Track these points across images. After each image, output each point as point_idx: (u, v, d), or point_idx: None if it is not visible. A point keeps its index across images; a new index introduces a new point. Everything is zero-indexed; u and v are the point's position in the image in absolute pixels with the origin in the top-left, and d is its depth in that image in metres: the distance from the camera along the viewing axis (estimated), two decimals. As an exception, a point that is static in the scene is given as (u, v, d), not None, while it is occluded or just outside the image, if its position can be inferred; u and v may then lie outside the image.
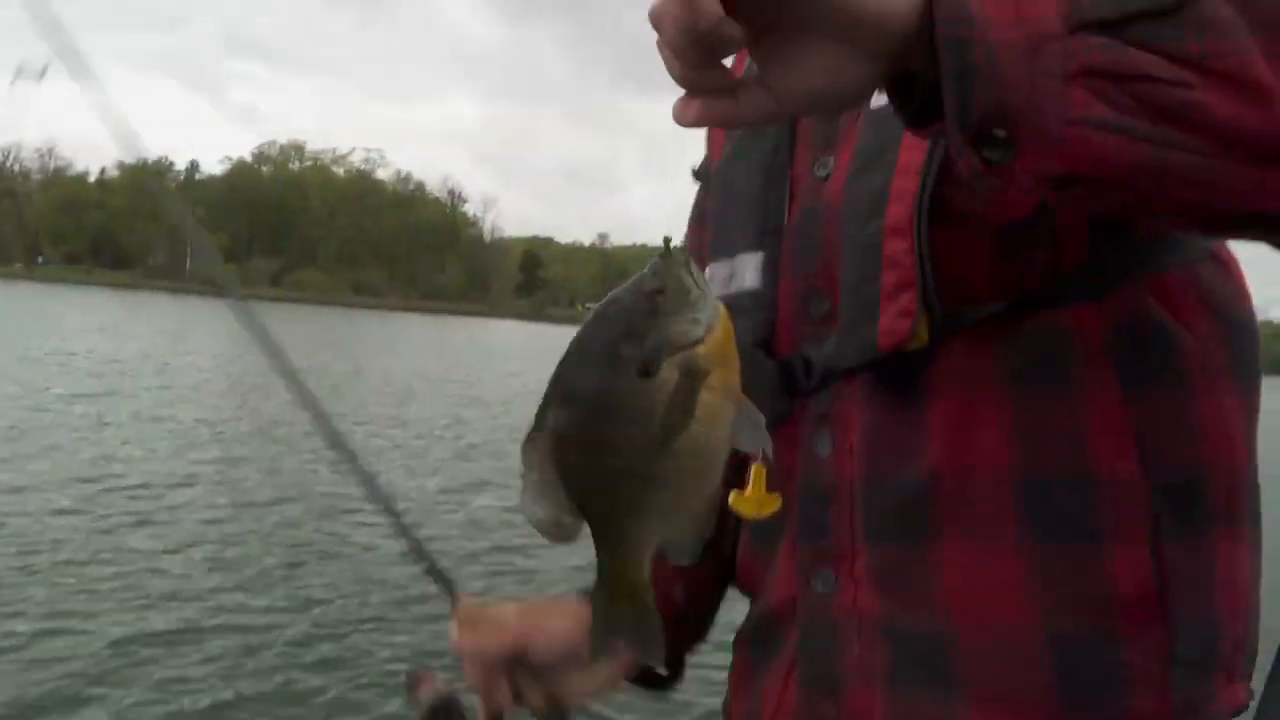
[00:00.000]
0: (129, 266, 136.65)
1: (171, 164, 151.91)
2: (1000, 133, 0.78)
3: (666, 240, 0.85)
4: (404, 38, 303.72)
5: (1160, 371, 1.12)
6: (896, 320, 1.10)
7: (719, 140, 1.43)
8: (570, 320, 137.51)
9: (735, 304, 1.15)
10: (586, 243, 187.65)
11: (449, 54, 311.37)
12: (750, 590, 1.37)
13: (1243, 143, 0.79)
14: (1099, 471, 1.09)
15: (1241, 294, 1.20)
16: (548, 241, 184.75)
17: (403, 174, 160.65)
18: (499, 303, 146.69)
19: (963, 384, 1.12)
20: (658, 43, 0.81)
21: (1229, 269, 1.20)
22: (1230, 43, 0.78)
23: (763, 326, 1.24)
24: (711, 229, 1.37)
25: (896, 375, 1.14)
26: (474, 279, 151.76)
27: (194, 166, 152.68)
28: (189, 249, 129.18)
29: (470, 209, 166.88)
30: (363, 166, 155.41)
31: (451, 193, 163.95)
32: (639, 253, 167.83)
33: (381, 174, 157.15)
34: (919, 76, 0.81)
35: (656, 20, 0.78)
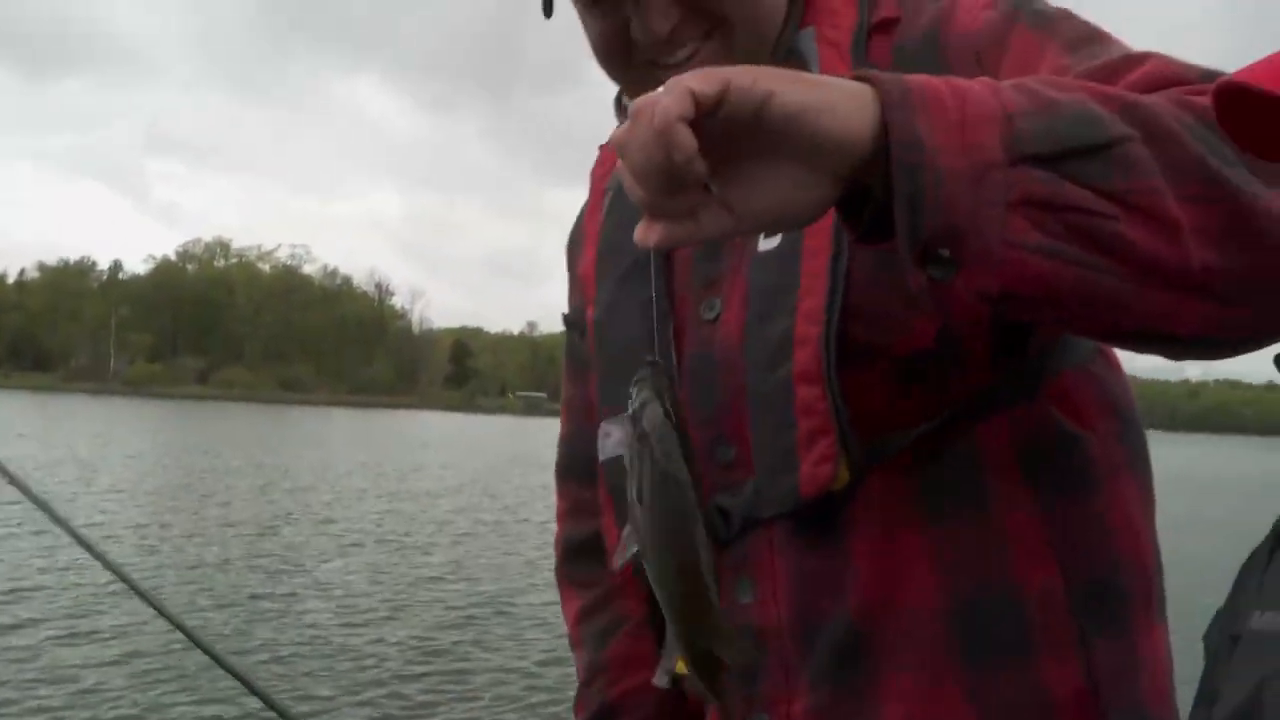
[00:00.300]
0: (50, 368, 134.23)
1: (94, 264, 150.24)
2: (945, 252, 0.83)
3: (652, 361, 0.95)
4: (325, 132, 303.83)
5: (1069, 477, 1.16)
6: (817, 468, 1.11)
7: (589, 286, 1.40)
8: (501, 409, 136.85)
9: None
10: (515, 331, 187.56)
11: (371, 147, 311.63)
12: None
13: (1158, 272, 0.85)
14: (1023, 586, 1.13)
15: (1128, 388, 1.26)
16: (477, 331, 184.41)
17: (329, 268, 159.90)
18: (428, 394, 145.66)
19: (882, 518, 1.15)
20: (620, 167, 0.83)
21: (1115, 365, 1.25)
22: (1149, 182, 0.84)
23: None
24: (599, 385, 1.35)
25: (817, 517, 1.15)
26: (403, 371, 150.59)
27: (117, 266, 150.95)
28: (112, 350, 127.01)
29: (398, 301, 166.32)
30: (289, 262, 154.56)
31: (379, 286, 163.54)
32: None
33: (308, 269, 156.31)
34: (872, 196, 0.86)
35: (622, 147, 0.80)
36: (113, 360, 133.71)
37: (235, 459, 29.90)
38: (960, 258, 0.83)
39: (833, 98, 0.82)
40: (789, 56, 1.23)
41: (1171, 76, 0.97)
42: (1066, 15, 1.15)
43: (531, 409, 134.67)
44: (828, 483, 1.11)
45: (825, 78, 0.86)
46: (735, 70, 0.80)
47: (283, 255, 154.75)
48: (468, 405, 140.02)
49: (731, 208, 0.83)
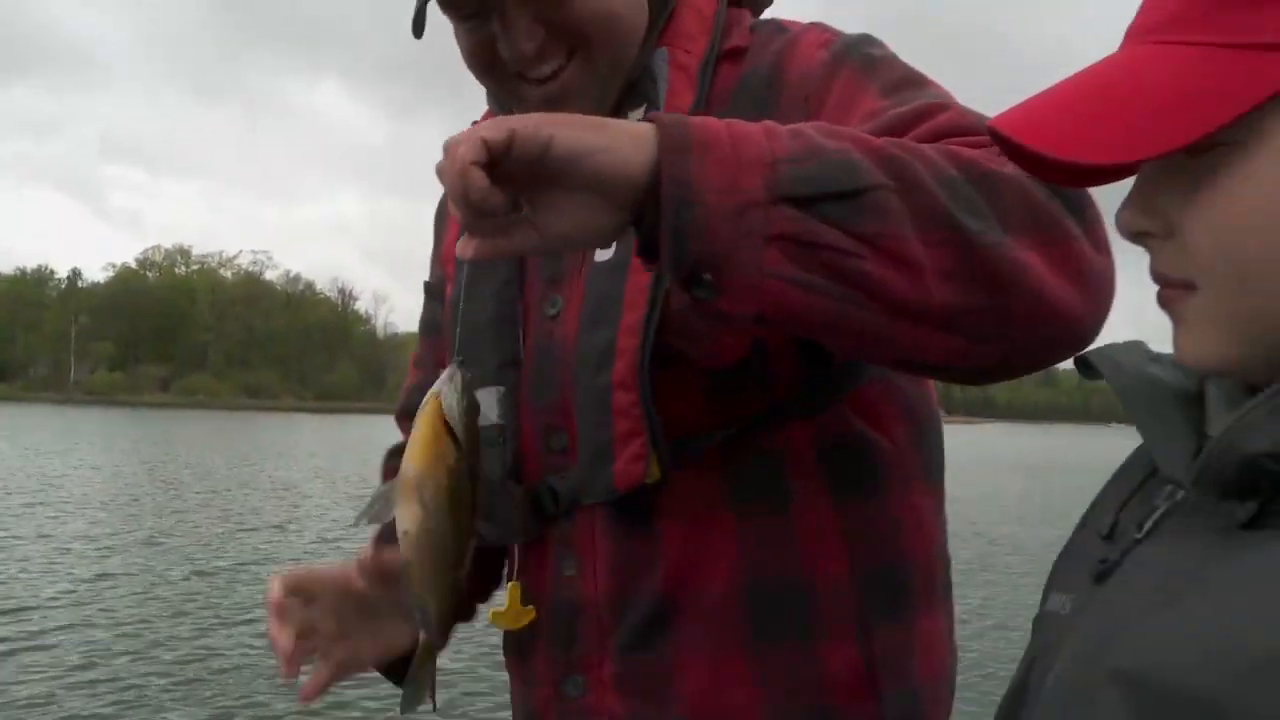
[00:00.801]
0: (8, 379, 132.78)
1: (53, 272, 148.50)
2: (708, 277, 0.96)
3: (460, 362, 1.15)
4: (286, 138, 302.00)
5: (864, 479, 1.31)
6: (630, 464, 1.26)
7: (451, 264, 1.51)
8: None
9: (484, 437, 1.28)
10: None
11: (334, 152, 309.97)
12: (513, 676, 1.49)
13: (902, 307, 0.97)
14: (813, 574, 1.28)
15: (928, 395, 1.41)
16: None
17: (291, 274, 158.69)
18: (395, 397, 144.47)
19: (692, 508, 1.29)
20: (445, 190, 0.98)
21: (919, 377, 1.38)
22: (895, 227, 0.95)
23: (510, 456, 1.37)
24: (450, 358, 1.41)
25: (632, 505, 1.29)
26: (369, 376, 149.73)
27: (76, 274, 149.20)
28: (72, 359, 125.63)
29: (362, 306, 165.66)
30: (251, 268, 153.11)
31: (342, 291, 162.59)
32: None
33: (270, 275, 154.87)
34: (647, 223, 0.99)
35: (439, 176, 0.97)
36: (73, 369, 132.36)
37: (197, 467, 29.55)
38: (721, 283, 0.95)
39: (611, 140, 0.96)
40: (644, 75, 1.36)
41: (960, 127, 1.09)
42: (890, 60, 1.29)
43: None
44: (639, 479, 1.26)
45: (613, 121, 1.00)
46: (521, 119, 0.95)
47: (244, 262, 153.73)
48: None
49: (537, 228, 0.99)
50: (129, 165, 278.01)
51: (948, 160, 1.00)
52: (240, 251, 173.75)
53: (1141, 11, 0.77)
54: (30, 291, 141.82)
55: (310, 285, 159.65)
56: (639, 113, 1.34)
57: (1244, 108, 0.67)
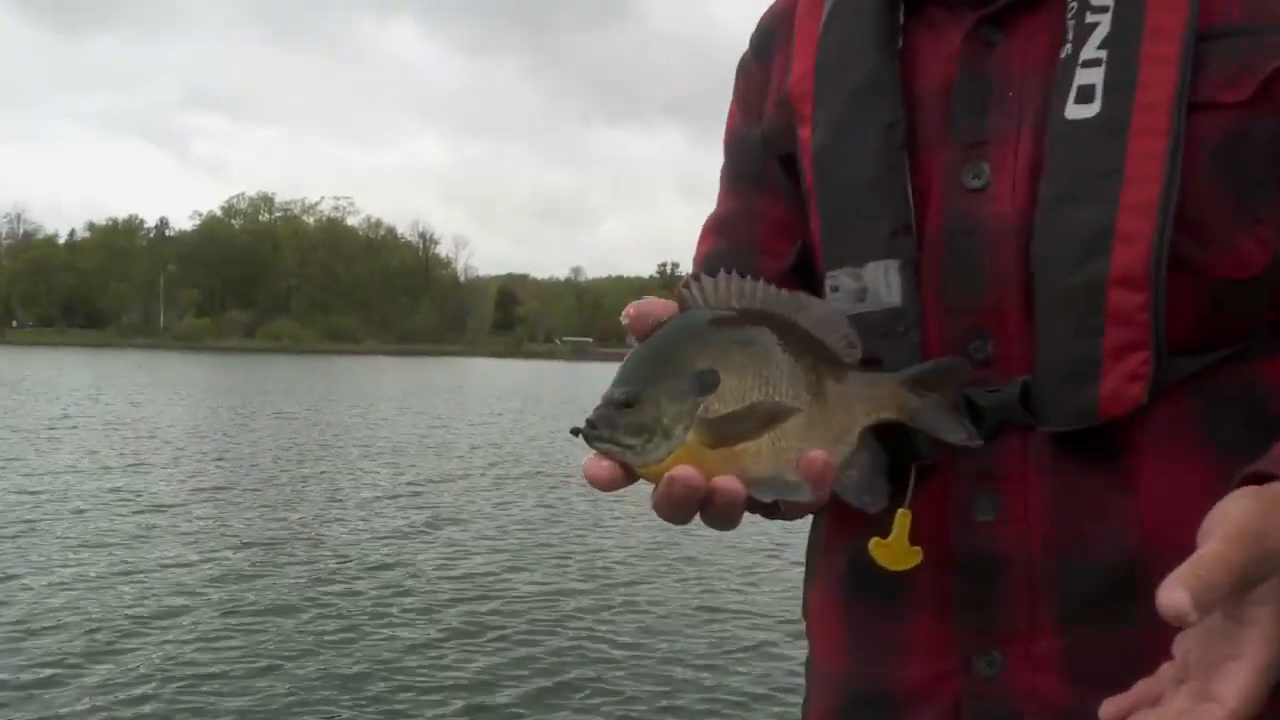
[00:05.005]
0: (102, 325, 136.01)
1: (142, 222, 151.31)
2: None
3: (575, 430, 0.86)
4: (363, 81, 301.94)
5: None
6: (1124, 384, 0.98)
7: (805, 102, 1.18)
8: (548, 355, 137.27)
9: (874, 324, 1.07)
10: (561, 277, 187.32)
11: (412, 93, 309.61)
12: (837, 636, 1.19)
13: None
14: None
15: None
16: (523, 278, 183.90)
17: (373, 219, 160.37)
18: (476, 341, 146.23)
19: (1167, 447, 1.02)
20: None
21: None
22: None
23: (916, 353, 1.06)
24: (822, 226, 1.14)
25: (1087, 435, 1.01)
26: (450, 319, 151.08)
27: (164, 224, 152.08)
28: (161, 306, 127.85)
29: (443, 250, 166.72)
30: (332, 214, 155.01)
31: (423, 235, 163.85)
32: (614, 285, 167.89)
33: (351, 221, 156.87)
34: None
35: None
36: (162, 316, 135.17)
37: (283, 408, 30.06)
38: None
39: None
40: None
41: None
42: None
43: (578, 353, 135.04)
44: (1133, 404, 0.98)
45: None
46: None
47: (326, 208, 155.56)
48: (515, 351, 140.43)
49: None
50: (211, 113, 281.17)
51: None
52: (322, 198, 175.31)
53: None
54: (120, 241, 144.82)
55: (391, 230, 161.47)
56: None
57: None
